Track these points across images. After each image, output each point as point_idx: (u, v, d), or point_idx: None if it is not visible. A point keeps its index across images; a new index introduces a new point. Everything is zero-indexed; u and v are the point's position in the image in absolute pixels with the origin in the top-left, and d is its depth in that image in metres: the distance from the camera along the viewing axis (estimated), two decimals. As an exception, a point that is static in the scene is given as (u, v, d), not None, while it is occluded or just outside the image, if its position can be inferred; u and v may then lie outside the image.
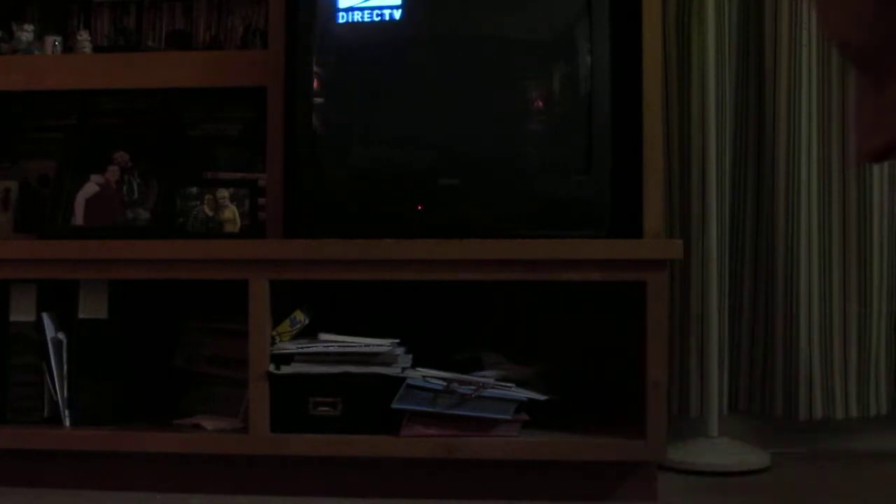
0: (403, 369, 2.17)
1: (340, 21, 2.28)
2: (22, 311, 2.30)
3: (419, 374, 2.15)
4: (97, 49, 2.60)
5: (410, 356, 2.21)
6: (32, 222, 2.50)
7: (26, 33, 2.54)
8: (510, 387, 2.16)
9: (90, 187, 2.42)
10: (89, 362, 2.28)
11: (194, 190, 2.40)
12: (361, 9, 2.27)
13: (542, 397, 2.17)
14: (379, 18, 2.27)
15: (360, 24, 2.27)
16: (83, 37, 2.57)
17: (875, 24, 0.60)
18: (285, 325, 2.21)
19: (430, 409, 2.13)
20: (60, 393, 2.27)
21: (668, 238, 2.42)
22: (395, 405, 2.13)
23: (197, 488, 2.22)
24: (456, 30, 2.29)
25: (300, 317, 2.22)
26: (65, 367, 2.28)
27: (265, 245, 2.25)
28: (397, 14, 2.26)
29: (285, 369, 2.17)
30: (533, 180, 2.23)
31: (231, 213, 2.39)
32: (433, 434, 2.14)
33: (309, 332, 2.24)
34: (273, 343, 2.19)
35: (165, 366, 2.40)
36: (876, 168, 2.53)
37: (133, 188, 2.42)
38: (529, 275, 2.14)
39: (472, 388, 2.14)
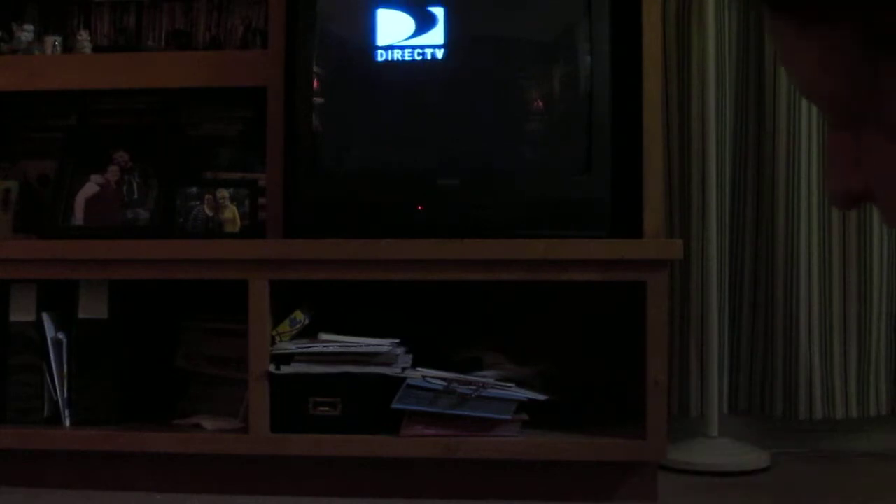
0: (403, 369, 2.17)
1: (340, 22, 2.28)
2: (22, 311, 2.30)
3: (419, 374, 2.15)
4: (97, 49, 2.59)
5: (410, 356, 2.20)
6: (32, 222, 2.50)
7: (26, 33, 2.54)
8: (510, 387, 2.16)
9: (90, 187, 2.42)
10: (89, 362, 2.28)
11: (194, 190, 2.40)
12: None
13: (542, 397, 2.17)
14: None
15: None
16: (83, 37, 2.56)
17: (848, 71, 0.60)
18: (285, 325, 2.21)
19: (430, 409, 2.13)
20: (60, 393, 2.27)
21: (668, 238, 2.42)
22: (395, 405, 2.13)
23: (197, 488, 2.22)
24: (454, 30, 2.29)
25: (300, 317, 2.22)
26: (65, 367, 2.27)
27: (265, 245, 2.25)
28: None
29: (285, 369, 2.17)
30: (533, 180, 2.22)
31: (231, 213, 2.39)
32: (433, 434, 2.14)
33: (309, 332, 2.24)
34: (273, 343, 2.19)
35: (165, 366, 2.40)
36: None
37: (133, 188, 2.42)
38: (529, 275, 2.14)
39: (472, 388, 2.14)
